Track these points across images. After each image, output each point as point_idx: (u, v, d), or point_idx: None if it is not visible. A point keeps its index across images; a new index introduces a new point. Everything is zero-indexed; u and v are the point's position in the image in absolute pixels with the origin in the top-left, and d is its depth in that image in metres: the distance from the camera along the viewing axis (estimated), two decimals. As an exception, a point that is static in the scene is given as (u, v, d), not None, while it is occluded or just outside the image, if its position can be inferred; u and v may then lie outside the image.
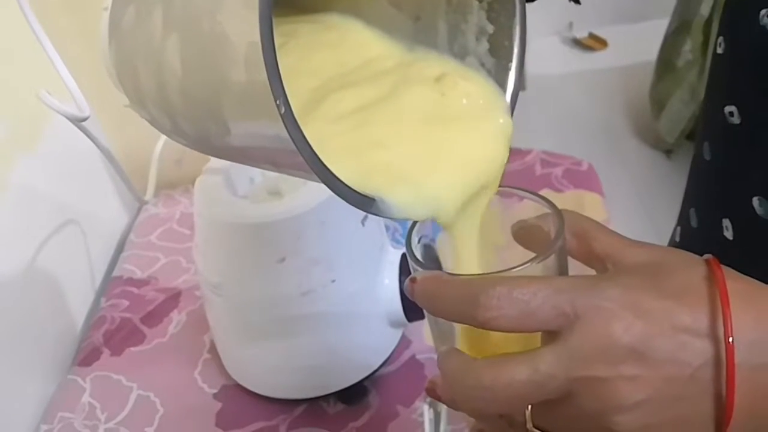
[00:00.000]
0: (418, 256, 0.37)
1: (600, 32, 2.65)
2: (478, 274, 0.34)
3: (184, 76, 0.32)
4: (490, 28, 0.38)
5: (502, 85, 0.38)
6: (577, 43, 2.67)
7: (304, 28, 0.39)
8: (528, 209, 0.38)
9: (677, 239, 0.59)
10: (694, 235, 0.55)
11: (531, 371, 0.31)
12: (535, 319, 0.31)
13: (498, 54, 0.38)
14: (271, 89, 0.26)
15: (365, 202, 0.32)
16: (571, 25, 2.69)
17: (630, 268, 0.33)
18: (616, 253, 0.34)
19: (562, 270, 0.36)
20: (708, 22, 1.85)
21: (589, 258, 0.36)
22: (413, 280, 0.35)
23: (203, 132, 0.34)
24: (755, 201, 0.47)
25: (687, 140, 2.00)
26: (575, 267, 0.37)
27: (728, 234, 0.49)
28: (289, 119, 0.27)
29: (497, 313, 0.31)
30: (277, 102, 0.26)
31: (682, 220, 0.58)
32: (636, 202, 1.96)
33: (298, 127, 0.27)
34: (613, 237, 0.35)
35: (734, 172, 0.50)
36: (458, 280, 0.33)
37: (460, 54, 0.39)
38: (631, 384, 0.30)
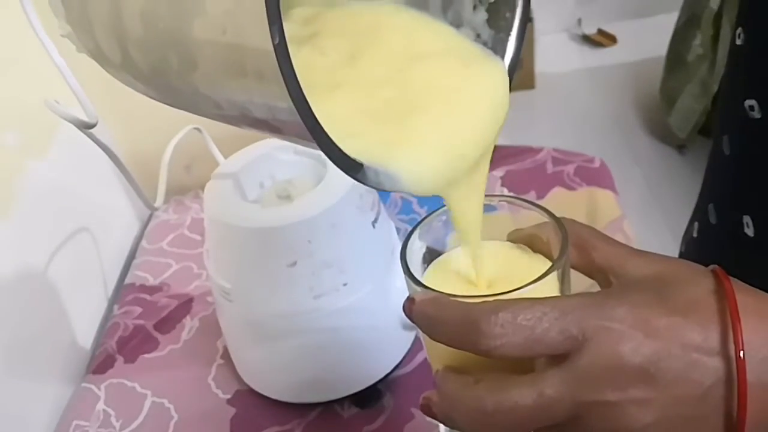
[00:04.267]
0: (414, 269, 0.36)
1: (609, 28, 2.64)
2: (480, 296, 0.32)
3: None
4: None
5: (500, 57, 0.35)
6: (587, 40, 2.66)
7: (327, 15, 0.35)
8: (536, 213, 0.37)
9: (695, 235, 0.58)
10: (713, 232, 0.54)
11: (536, 395, 0.30)
12: (542, 344, 0.30)
13: (497, 25, 0.35)
14: (267, 13, 0.22)
15: (353, 167, 0.29)
16: (579, 21, 2.68)
17: (634, 283, 0.32)
18: (618, 266, 0.33)
19: (566, 284, 0.35)
20: (718, 16, 1.83)
21: (590, 269, 0.35)
22: (412, 300, 0.33)
23: (161, 67, 0.28)
24: None
25: (699, 135, 1.99)
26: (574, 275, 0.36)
27: (749, 231, 0.48)
28: (282, 52, 0.23)
29: (501, 341, 0.30)
30: (272, 29, 0.22)
31: (700, 215, 0.57)
32: (649, 198, 1.95)
33: (290, 61, 0.23)
34: (613, 247, 0.34)
35: (755, 167, 0.49)
36: (458, 304, 0.32)
37: (454, 23, 0.36)
38: (641, 407, 0.29)
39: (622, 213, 0.81)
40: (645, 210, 1.89)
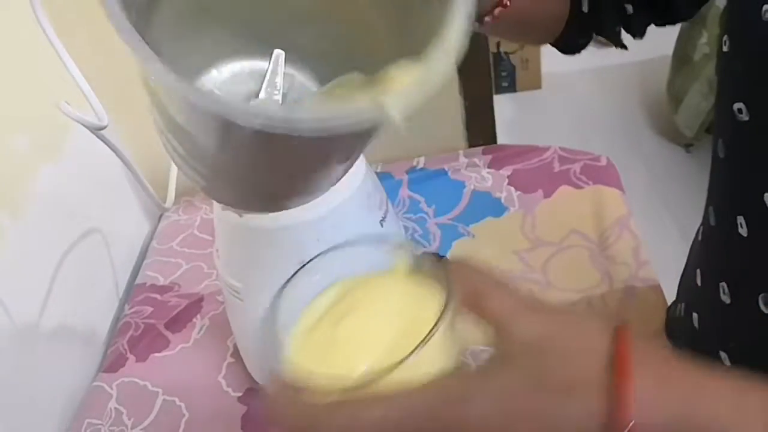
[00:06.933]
0: (284, 328, 0.34)
1: (615, 27, 2.64)
2: (340, 381, 0.30)
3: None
4: None
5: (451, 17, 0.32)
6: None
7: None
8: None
9: (699, 238, 0.59)
10: (712, 234, 0.55)
11: None
12: None
13: None
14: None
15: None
16: (586, 21, 2.67)
17: (515, 353, 0.29)
18: (506, 323, 0.30)
19: (455, 339, 0.32)
20: (724, 14, 1.84)
21: (482, 319, 0.32)
22: (264, 389, 0.31)
23: (204, 154, 0.37)
24: (767, 197, 0.46)
25: (706, 133, 1.99)
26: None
27: (743, 231, 0.49)
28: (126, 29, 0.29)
29: None
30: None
31: (704, 219, 0.58)
32: (656, 197, 1.95)
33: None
34: (507, 300, 0.31)
35: (746, 169, 0.49)
36: (301, 404, 0.29)
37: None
38: None
39: (628, 211, 0.81)
40: (652, 209, 1.89)
